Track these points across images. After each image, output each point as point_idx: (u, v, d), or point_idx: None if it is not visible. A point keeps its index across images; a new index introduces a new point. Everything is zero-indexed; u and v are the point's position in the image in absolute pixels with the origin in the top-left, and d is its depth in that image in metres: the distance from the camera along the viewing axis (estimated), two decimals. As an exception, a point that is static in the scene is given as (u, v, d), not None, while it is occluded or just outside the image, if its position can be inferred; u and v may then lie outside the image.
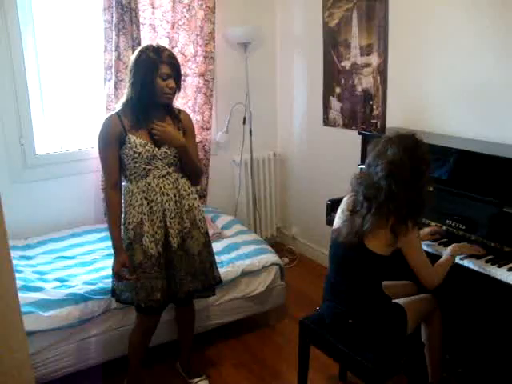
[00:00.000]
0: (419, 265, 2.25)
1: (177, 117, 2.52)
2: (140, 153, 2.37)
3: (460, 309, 2.59)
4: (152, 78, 2.31)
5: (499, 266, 2.22)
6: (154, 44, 2.40)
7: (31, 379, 1.95)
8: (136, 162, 2.39)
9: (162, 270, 2.47)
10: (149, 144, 2.39)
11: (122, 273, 2.43)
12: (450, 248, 2.37)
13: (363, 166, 2.37)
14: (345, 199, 2.36)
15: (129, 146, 2.37)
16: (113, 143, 2.38)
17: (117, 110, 2.44)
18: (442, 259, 2.34)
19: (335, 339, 2.35)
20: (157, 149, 2.41)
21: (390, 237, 2.15)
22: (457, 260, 2.34)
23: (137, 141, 2.37)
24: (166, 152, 2.43)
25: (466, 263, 2.31)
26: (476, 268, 2.28)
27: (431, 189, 2.56)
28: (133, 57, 2.38)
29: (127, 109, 2.40)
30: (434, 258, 2.38)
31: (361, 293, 2.27)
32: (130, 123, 2.38)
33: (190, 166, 2.52)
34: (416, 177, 2.14)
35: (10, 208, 3.41)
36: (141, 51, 2.36)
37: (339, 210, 2.37)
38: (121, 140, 2.38)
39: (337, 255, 2.34)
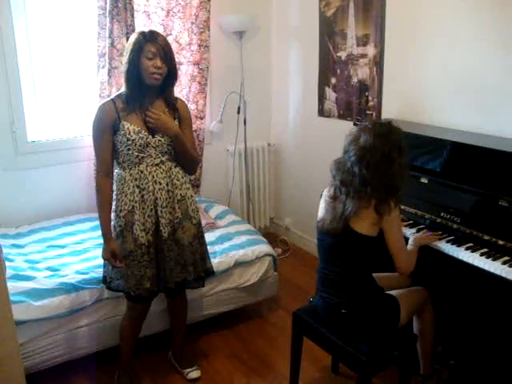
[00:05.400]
0: (397, 246, 2.27)
1: (173, 105, 2.50)
2: (133, 140, 2.35)
3: (453, 302, 2.58)
4: (138, 57, 2.30)
5: (494, 260, 2.21)
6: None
7: (20, 369, 1.93)
8: (129, 149, 2.37)
9: (151, 260, 2.47)
10: (143, 131, 2.37)
11: (111, 260, 2.42)
12: (412, 240, 2.41)
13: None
14: (326, 188, 2.38)
15: (122, 132, 2.35)
16: (107, 130, 2.36)
17: (112, 97, 2.43)
18: (409, 250, 2.38)
19: (328, 331, 2.34)
20: (151, 136, 2.39)
21: (375, 215, 2.18)
22: (448, 251, 2.35)
23: (130, 128, 2.35)
24: (160, 140, 2.40)
25: (461, 256, 2.31)
26: (469, 260, 2.27)
27: (425, 181, 2.56)
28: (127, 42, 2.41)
29: (123, 93, 2.40)
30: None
31: (352, 281, 2.28)
32: (124, 105, 2.37)
33: (185, 156, 2.50)
34: (387, 162, 2.16)
35: (0, 196, 3.43)
36: (132, 35, 2.39)
37: (322, 200, 2.39)
38: (115, 127, 2.36)
39: (324, 244, 2.35)
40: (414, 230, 2.56)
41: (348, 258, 2.26)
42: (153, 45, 2.30)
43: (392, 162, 2.17)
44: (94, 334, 2.74)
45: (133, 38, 2.35)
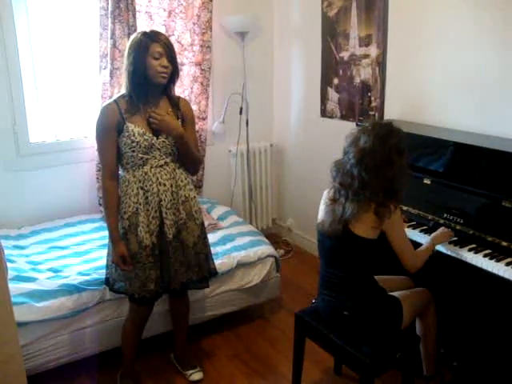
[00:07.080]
0: (402, 245, 2.25)
1: (176, 105, 2.49)
2: (138, 142, 2.34)
3: (456, 303, 2.58)
4: (144, 58, 2.29)
5: (497, 261, 2.21)
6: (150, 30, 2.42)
7: (22, 371, 1.93)
8: (133, 151, 2.36)
9: (156, 261, 2.45)
10: (147, 133, 2.36)
11: (119, 263, 2.40)
12: (431, 237, 2.40)
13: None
14: (326, 190, 2.36)
15: (127, 134, 2.34)
16: (111, 132, 2.35)
17: (114, 98, 2.42)
18: (423, 246, 2.37)
19: (330, 332, 2.33)
20: (155, 138, 2.38)
21: (375, 219, 2.16)
22: (451, 253, 2.35)
23: (135, 130, 2.34)
24: (164, 141, 2.40)
25: (464, 257, 2.30)
26: (473, 262, 2.27)
27: (428, 182, 2.55)
28: (127, 43, 2.39)
29: (126, 94, 2.39)
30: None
31: (354, 283, 2.26)
32: (127, 107, 2.36)
33: (188, 156, 2.49)
34: (387, 165, 2.14)
35: (2, 197, 3.43)
36: (134, 35, 2.38)
37: (321, 202, 2.37)
38: (119, 128, 2.35)
39: (325, 246, 2.34)
40: (416, 231, 2.56)
41: (349, 260, 2.25)
42: (158, 45, 2.30)
43: (392, 165, 2.15)
44: (96, 335, 2.73)
45: (135, 38, 2.33)
